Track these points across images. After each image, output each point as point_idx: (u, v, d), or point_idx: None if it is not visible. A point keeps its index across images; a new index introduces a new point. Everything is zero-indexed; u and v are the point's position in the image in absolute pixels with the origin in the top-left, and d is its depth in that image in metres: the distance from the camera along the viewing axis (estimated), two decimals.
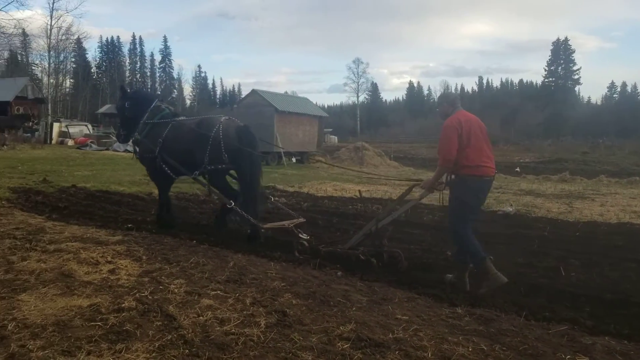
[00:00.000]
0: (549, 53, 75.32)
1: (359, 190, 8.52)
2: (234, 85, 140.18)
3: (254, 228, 6.65)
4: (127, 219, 7.82)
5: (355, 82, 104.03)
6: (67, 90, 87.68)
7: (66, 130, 38.68)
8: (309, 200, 11.54)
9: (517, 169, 28.48)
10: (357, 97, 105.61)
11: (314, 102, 41.08)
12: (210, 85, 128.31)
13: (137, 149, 7.46)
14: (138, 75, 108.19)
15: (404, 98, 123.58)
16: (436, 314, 4.13)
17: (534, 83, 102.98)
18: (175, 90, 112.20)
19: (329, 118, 43.60)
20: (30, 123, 35.90)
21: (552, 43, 75.43)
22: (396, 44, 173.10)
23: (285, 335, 3.47)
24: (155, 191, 10.95)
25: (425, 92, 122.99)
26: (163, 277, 4.56)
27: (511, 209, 10.56)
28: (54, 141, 36.52)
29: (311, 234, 6.90)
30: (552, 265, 6.00)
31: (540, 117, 74.93)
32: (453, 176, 5.24)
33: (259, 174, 6.76)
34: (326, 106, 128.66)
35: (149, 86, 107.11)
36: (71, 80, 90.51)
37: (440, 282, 5.30)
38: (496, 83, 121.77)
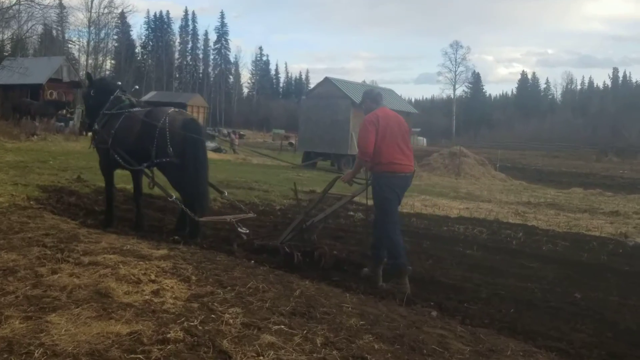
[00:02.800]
0: None
1: (294, 183, 8.65)
2: (300, 72, 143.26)
3: (193, 223, 7.56)
4: (173, 229, 8.06)
5: (452, 71, 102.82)
6: (108, 72, 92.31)
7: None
8: None
9: None
10: (454, 89, 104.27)
11: (399, 95, 40.83)
12: (273, 72, 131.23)
13: (95, 139, 8.67)
14: (189, 58, 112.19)
15: (514, 92, 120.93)
16: None
17: None
18: (231, 77, 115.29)
19: (417, 115, 43.13)
20: (65, 111, 37.70)
21: None
22: (505, 24, 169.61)
23: None
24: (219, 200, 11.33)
25: (542, 85, 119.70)
26: (215, 304, 4.60)
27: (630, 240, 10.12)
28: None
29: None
30: None
31: None
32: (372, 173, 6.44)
33: (203, 169, 7.67)
34: (413, 100, 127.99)
35: (201, 71, 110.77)
36: (112, 61, 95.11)
37: (566, 333, 5.06)
38: (636, 77, 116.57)
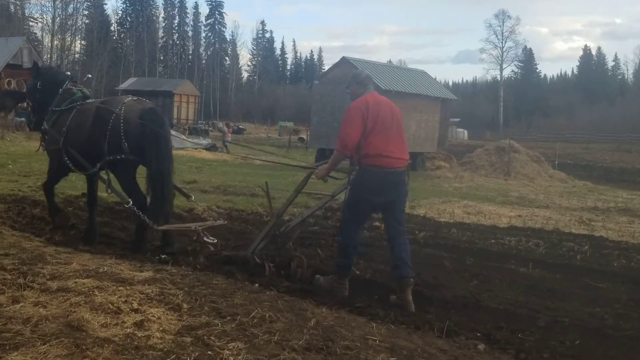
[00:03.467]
0: None
1: (266, 183, 8.83)
2: (312, 52, 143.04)
3: (141, 233, 7.96)
4: (160, 245, 8.08)
5: (498, 47, 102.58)
6: (78, 56, 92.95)
7: None
8: (427, 227, 11.43)
9: None
10: (501, 69, 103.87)
11: (433, 77, 40.76)
12: (278, 51, 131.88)
13: (45, 140, 8.99)
14: (176, 36, 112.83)
15: (575, 72, 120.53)
16: None
17: None
18: (227, 58, 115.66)
19: (456, 102, 43.03)
20: (26, 103, 38.10)
21: None
22: None
23: None
24: (197, 207, 11.38)
25: (610, 63, 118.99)
26: (212, 338, 4.59)
27: None
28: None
29: (435, 281, 6.84)
30: None
31: None
32: (357, 166, 6.74)
33: (166, 168, 7.93)
34: (451, 83, 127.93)
35: (190, 51, 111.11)
36: (82, 42, 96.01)
37: None
38: None
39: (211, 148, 33.53)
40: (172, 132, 36.40)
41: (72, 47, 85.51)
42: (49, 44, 72.52)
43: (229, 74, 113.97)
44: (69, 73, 9.78)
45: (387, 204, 6.74)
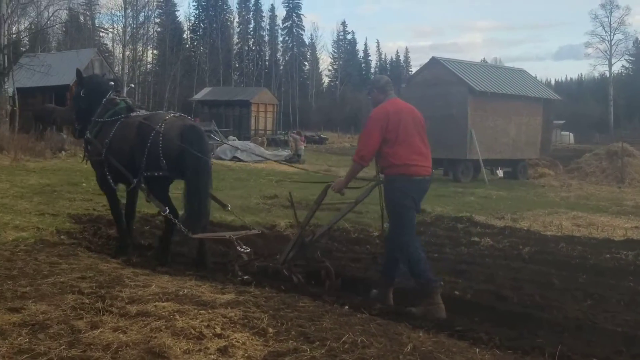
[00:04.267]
0: None
1: (289, 193, 9.19)
2: (397, 52, 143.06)
3: (166, 242, 8.67)
4: (241, 265, 8.18)
5: (606, 40, 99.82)
6: (150, 66, 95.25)
7: None
8: (532, 242, 11.22)
9: None
10: (610, 65, 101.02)
11: (534, 76, 39.98)
12: (361, 54, 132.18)
13: (88, 150, 9.65)
14: (251, 42, 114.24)
15: None
16: None
17: None
18: (306, 63, 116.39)
19: (560, 102, 42.04)
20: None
21: None
22: None
23: None
24: (281, 222, 11.49)
25: None
26: None
27: None
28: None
29: (544, 301, 6.69)
30: None
31: None
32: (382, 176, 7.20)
33: (205, 185, 8.59)
34: (553, 82, 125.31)
35: (267, 57, 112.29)
36: (154, 52, 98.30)
37: None
38: None
39: (292, 159, 33.76)
40: (250, 144, 37.08)
41: (144, 57, 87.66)
42: (120, 55, 74.57)
43: (308, 79, 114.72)
44: (112, 83, 10.35)
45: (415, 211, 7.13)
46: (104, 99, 9.49)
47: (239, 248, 8.04)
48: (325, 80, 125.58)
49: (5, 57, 34.72)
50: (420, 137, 7.16)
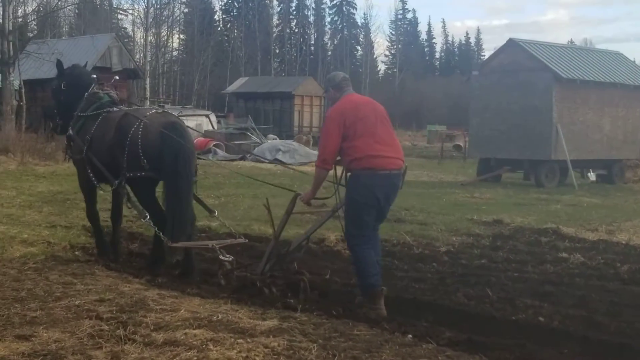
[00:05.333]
0: None
1: (266, 199, 9.38)
2: (467, 34, 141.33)
3: (157, 250, 9.24)
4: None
5: None
6: (176, 53, 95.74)
7: None
8: (632, 258, 11.15)
9: None
10: None
11: (632, 60, 39.36)
12: (424, 36, 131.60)
13: (70, 147, 10.29)
14: (294, 24, 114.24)
15: None
16: None
17: None
18: (359, 47, 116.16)
19: None
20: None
21: None
22: None
23: None
24: (331, 235, 11.49)
25: None
26: None
27: None
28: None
29: None
30: None
31: None
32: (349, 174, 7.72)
33: (186, 187, 8.97)
34: None
35: (312, 41, 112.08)
36: (181, 36, 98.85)
37: None
38: None
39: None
40: (293, 144, 37.15)
41: (169, 43, 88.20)
42: (142, 40, 75.34)
43: (361, 67, 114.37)
44: (94, 75, 10.71)
45: (377, 210, 7.69)
46: (86, 93, 10.06)
47: (221, 257, 8.56)
48: (381, 67, 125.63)
49: (10, 44, 35.10)
50: (385, 128, 7.77)
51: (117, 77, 12.11)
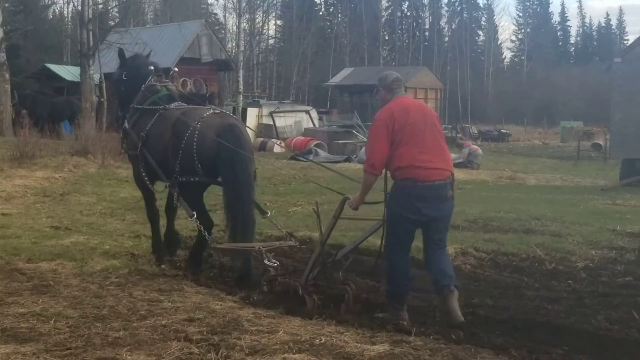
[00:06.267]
0: None
1: (316, 202, 10.27)
2: (607, 15, 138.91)
3: (197, 252, 10.13)
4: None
5: None
6: (272, 42, 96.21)
7: (271, 122, 42.40)
8: None
9: None
10: None
11: None
12: (556, 18, 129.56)
13: (125, 141, 11.10)
14: (405, 6, 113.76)
15: None
16: None
17: None
18: (480, 32, 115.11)
19: None
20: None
21: None
22: None
23: None
24: (449, 249, 11.41)
25: None
26: None
27: None
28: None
29: None
30: None
31: None
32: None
33: (245, 192, 9.63)
34: None
35: (427, 26, 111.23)
36: (278, 22, 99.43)
37: None
38: None
39: (469, 164, 33.35)
40: None
41: (265, 30, 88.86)
42: (234, 28, 76.09)
43: (483, 54, 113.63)
44: (152, 67, 11.07)
45: (426, 223, 8.09)
46: (143, 85, 10.81)
47: (266, 261, 8.99)
48: (507, 54, 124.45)
49: (90, 33, 35.82)
50: (433, 136, 8.10)
51: (176, 69, 12.40)
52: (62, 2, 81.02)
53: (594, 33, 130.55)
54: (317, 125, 45.11)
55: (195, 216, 9.69)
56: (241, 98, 44.59)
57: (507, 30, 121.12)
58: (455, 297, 7.85)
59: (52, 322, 7.09)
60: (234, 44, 68.28)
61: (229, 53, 53.08)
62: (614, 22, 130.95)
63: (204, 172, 9.69)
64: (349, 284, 8.65)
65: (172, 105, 10.41)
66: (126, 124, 10.76)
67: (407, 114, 8.01)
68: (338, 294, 8.54)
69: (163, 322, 7.10)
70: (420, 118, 8.06)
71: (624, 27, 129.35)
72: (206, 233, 9.58)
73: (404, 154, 7.86)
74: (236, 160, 9.47)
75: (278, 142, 39.20)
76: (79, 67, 37.30)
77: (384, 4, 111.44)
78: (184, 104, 10.53)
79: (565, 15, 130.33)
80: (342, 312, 8.14)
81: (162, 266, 10.17)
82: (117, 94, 11.73)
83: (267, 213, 10.52)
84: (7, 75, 35.84)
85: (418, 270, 9.82)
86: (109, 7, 48.04)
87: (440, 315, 8.03)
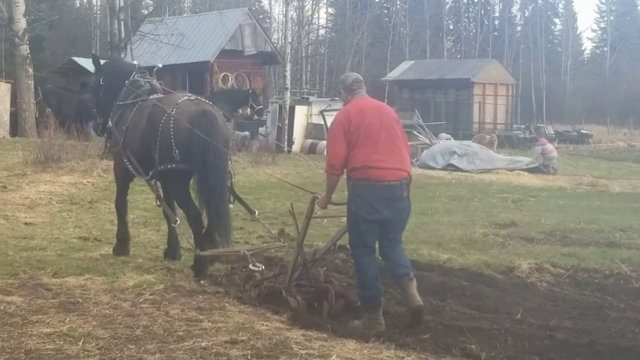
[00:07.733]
0: None
1: (291, 204, 10.87)
2: None
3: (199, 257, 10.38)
4: (473, 328, 8.25)
5: None
6: (323, 32, 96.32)
7: (321, 121, 42.35)
8: None
9: None
10: None
11: None
12: None
13: (110, 141, 12.07)
14: None
15: None
16: None
17: None
18: (557, 21, 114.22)
19: None
20: (249, 109, 39.51)
21: None
22: None
23: None
24: (523, 263, 11.38)
25: None
26: None
27: None
28: (296, 147, 40.45)
29: None
30: None
31: None
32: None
33: (219, 179, 10.43)
34: None
35: (496, 14, 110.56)
36: (330, 11, 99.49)
37: None
38: None
39: (536, 167, 33.10)
40: (473, 145, 36.84)
41: (315, 19, 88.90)
42: (281, 17, 76.21)
43: (560, 45, 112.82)
44: (135, 63, 12.23)
45: (381, 222, 8.82)
46: (127, 81, 11.74)
47: (251, 265, 9.93)
48: (587, 45, 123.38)
49: (122, 23, 36.01)
50: (389, 137, 8.88)
51: (160, 66, 13.01)
52: None
53: None
54: None
55: (179, 222, 10.68)
56: (288, 95, 44.47)
57: (587, 18, 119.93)
58: (414, 285, 8.59)
59: (80, 343, 7.17)
60: (280, 35, 68.20)
61: (275, 45, 53.00)
62: None
63: (181, 158, 10.43)
64: (331, 282, 9.62)
65: (152, 97, 11.26)
66: (110, 123, 11.63)
67: (363, 115, 8.86)
68: (322, 293, 9.27)
69: (203, 344, 7.15)
70: (375, 119, 8.88)
71: None
72: (178, 224, 10.79)
73: (358, 154, 8.71)
74: (208, 145, 10.24)
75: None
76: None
77: None
78: (158, 96, 11.43)
79: None
80: (325, 311, 8.99)
81: (202, 282, 10.12)
82: (95, 101, 12.64)
83: (255, 212, 11.29)
84: (31, 70, 35.95)
85: (486, 287, 9.84)
86: None
87: (512, 340, 7.96)
